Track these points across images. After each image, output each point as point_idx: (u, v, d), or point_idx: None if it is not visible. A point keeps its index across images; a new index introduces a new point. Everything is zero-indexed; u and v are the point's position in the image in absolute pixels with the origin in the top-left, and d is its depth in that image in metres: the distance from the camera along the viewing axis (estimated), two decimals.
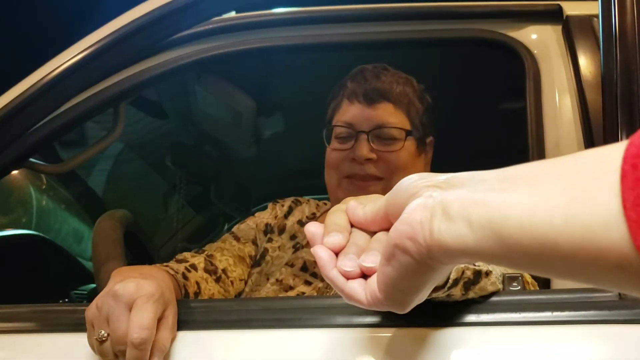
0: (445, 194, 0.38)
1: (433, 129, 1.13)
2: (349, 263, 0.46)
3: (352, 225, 0.49)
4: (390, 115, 1.05)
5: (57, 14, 2.61)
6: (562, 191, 0.31)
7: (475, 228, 0.35)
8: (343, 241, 0.47)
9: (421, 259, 0.39)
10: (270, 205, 1.20)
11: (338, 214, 0.50)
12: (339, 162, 1.05)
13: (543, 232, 0.31)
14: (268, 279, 1.05)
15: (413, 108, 1.07)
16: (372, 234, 0.48)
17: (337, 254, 0.47)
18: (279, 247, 1.11)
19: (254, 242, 1.13)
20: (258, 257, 1.11)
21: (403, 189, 0.42)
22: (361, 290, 0.45)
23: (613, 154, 0.30)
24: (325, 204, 1.18)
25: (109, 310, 0.65)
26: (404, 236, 0.39)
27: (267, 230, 1.14)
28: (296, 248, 1.09)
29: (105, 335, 0.64)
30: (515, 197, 0.34)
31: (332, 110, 1.11)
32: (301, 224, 1.14)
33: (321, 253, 0.47)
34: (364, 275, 0.46)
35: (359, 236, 0.48)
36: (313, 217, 1.15)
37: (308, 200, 1.20)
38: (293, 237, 1.12)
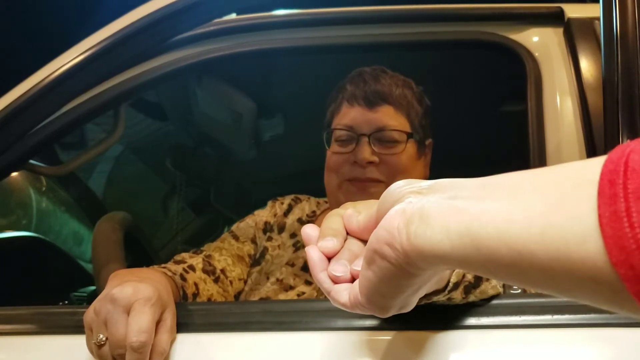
0: (424, 200, 0.38)
1: (431, 131, 1.13)
2: (339, 268, 0.46)
3: (348, 233, 0.49)
4: (391, 118, 1.04)
5: (59, 15, 2.62)
6: (540, 202, 0.32)
7: (452, 235, 0.35)
8: (337, 246, 0.48)
9: (399, 265, 0.39)
10: (269, 203, 1.19)
11: (335, 219, 0.50)
12: (339, 165, 1.05)
13: (520, 242, 0.32)
14: (268, 278, 1.05)
15: (413, 110, 1.07)
16: (367, 241, 0.48)
17: (331, 257, 0.48)
18: (278, 245, 1.11)
19: (253, 241, 1.12)
20: (257, 256, 1.10)
21: (389, 195, 0.42)
22: (346, 293, 0.45)
23: (592, 167, 0.30)
24: (326, 202, 1.18)
25: (107, 314, 0.64)
26: (382, 242, 0.39)
27: (267, 228, 1.13)
28: (296, 247, 1.09)
29: (104, 339, 0.64)
30: (494, 206, 0.34)
31: (331, 114, 1.11)
32: (301, 222, 1.13)
33: (312, 254, 0.48)
34: (354, 280, 0.46)
35: (354, 243, 0.48)
36: (313, 215, 1.15)
37: (308, 198, 1.20)
38: (293, 235, 1.11)
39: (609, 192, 0.28)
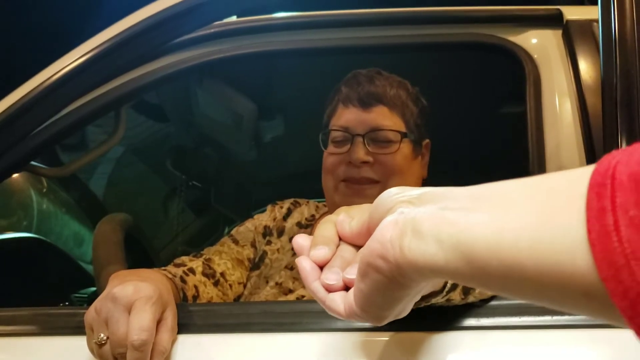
0: (416, 211, 0.38)
1: (428, 132, 1.13)
2: (332, 276, 0.46)
3: (341, 239, 0.49)
4: (385, 118, 1.05)
5: (61, 16, 2.62)
6: (530, 214, 0.31)
7: (445, 247, 0.35)
8: (329, 254, 0.47)
9: (392, 277, 0.39)
10: (269, 207, 1.19)
11: (327, 226, 0.49)
12: (335, 166, 1.05)
13: (510, 255, 0.31)
14: (267, 282, 1.05)
15: (407, 110, 1.08)
16: (359, 247, 0.47)
17: (323, 266, 0.47)
18: (277, 249, 1.11)
19: (253, 245, 1.12)
20: (257, 259, 1.10)
21: (381, 203, 0.42)
22: (341, 302, 0.45)
23: (581, 179, 0.30)
24: (325, 205, 1.18)
25: (108, 313, 0.65)
26: (375, 254, 0.39)
27: (266, 232, 1.14)
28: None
29: (105, 338, 0.64)
30: (485, 218, 0.34)
31: (328, 116, 1.12)
32: (300, 226, 1.13)
33: (304, 264, 0.47)
34: (348, 287, 0.46)
35: (346, 249, 0.48)
36: (312, 219, 1.15)
37: (307, 202, 1.20)
38: (292, 239, 1.11)
39: (597, 205, 0.28)
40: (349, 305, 0.44)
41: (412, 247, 0.37)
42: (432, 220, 0.36)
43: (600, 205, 0.28)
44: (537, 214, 0.31)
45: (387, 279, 0.39)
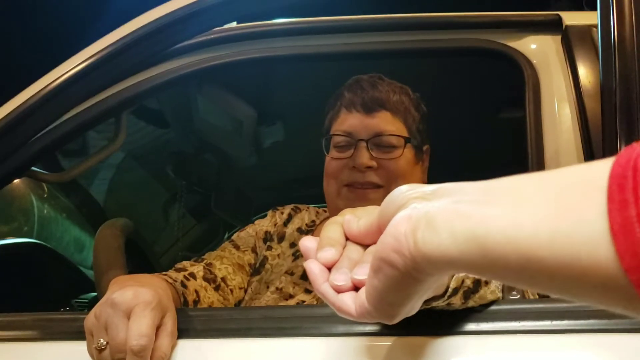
0: (429, 205, 0.38)
1: (429, 137, 1.14)
2: (340, 277, 0.46)
3: (347, 239, 0.49)
4: (389, 124, 1.05)
5: (62, 21, 2.63)
6: (548, 207, 0.31)
7: (459, 240, 0.35)
8: (336, 255, 0.47)
9: (407, 271, 0.39)
10: (270, 212, 1.20)
11: (333, 227, 0.49)
12: (338, 171, 1.06)
13: (527, 247, 0.31)
14: (268, 288, 1.05)
15: (410, 116, 1.08)
16: (366, 247, 0.47)
17: (331, 267, 0.47)
18: (278, 255, 1.11)
19: (254, 250, 1.13)
20: (258, 265, 1.11)
21: (392, 201, 0.42)
22: (351, 303, 0.45)
23: (600, 171, 0.30)
24: (325, 211, 1.18)
25: (108, 318, 0.65)
26: (390, 249, 0.39)
27: (267, 238, 1.14)
28: (296, 256, 1.09)
29: (105, 343, 0.64)
30: (500, 210, 0.34)
31: (329, 120, 1.12)
32: (301, 231, 1.14)
33: (312, 267, 0.47)
34: (357, 287, 0.45)
35: (353, 249, 0.48)
36: (313, 225, 1.15)
37: (308, 208, 1.20)
38: (292, 244, 1.12)
39: (619, 197, 0.28)
40: (361, 305, 0.44)
41: (426, 240, 0.37)
42: (445, 214, 0.36)
43: (622, 197, 0.28)
44: (555, 206, 0.31)
45: (401, 274, 0.39)
